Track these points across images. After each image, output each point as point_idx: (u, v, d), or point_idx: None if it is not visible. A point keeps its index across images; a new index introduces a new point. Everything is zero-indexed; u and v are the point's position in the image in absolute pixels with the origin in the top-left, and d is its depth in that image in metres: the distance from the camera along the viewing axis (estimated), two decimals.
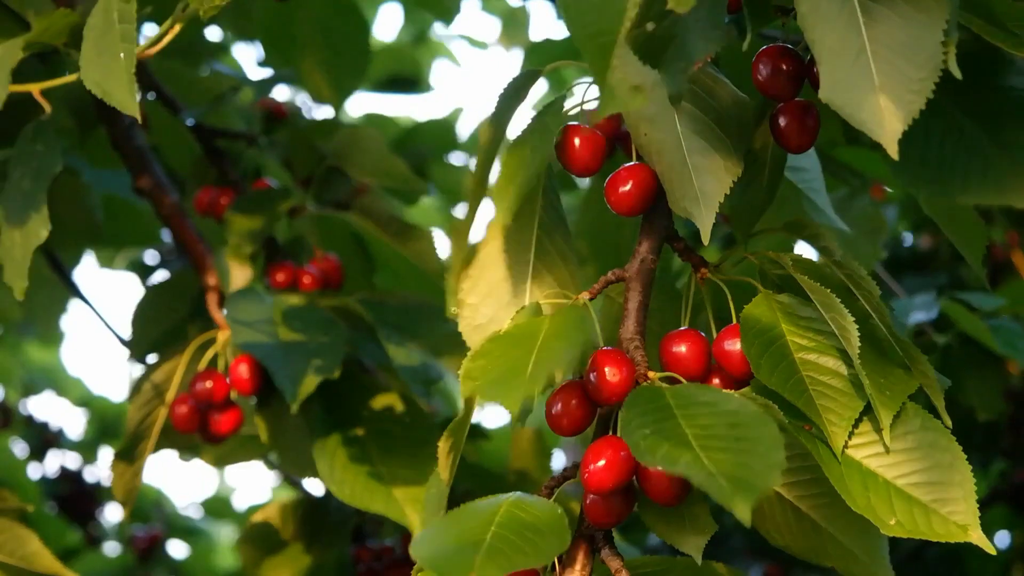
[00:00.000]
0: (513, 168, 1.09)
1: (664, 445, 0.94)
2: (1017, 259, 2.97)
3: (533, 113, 1.13)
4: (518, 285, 1.17)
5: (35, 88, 1.43)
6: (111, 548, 3.99)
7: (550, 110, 1.12)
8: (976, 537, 1.00)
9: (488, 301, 1.17)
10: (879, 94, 0.92)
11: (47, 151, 1.37)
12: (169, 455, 1.95)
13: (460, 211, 3.51)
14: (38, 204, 1.38)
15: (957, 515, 1.01)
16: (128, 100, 1.26)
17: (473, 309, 1.17)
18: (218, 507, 4.42)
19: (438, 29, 4.01)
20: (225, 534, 4.70)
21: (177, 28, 1.34)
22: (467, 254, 1.17)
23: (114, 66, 1.26)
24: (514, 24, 4.18)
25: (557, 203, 1.19)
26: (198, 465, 2.02)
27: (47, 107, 1.44)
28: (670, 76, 1.00)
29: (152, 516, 4.08)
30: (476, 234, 1.20)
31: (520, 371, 0.99)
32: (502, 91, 1.15)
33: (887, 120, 0.91)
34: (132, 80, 1.26)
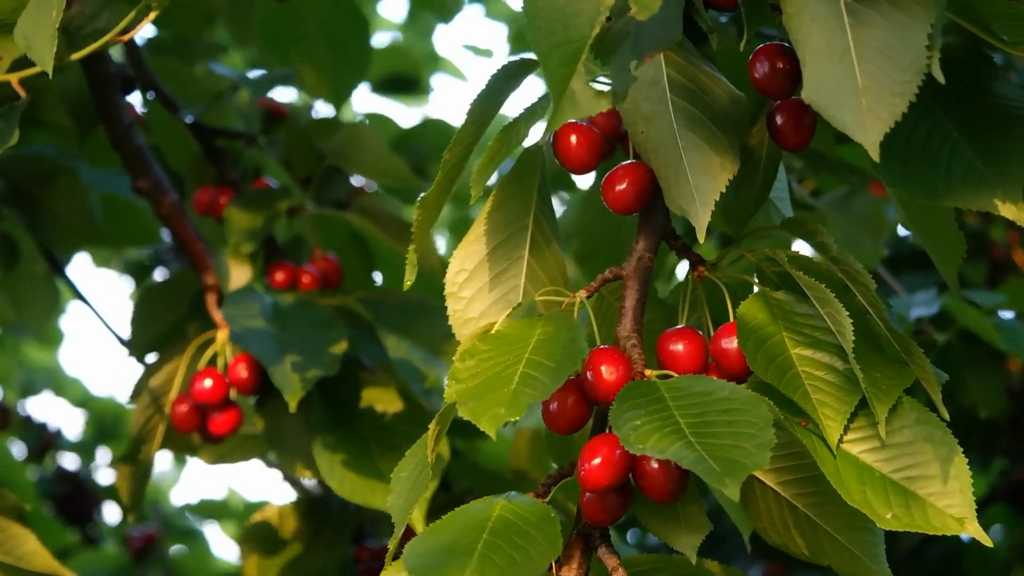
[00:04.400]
0: (495, 150, 1.10)
1: (654, 434, 0.95)
2: (1018, 258, 2.98)
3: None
4: (511, 279, 1.17)
5: (13, 77, 1.44)
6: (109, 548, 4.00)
7: (542, 100, 1.12)
8: (972, 530, 1.00)
9: (480, 295, 1.17)
10: (862, 96, 0.92)
11: (7, 128, 1.38)
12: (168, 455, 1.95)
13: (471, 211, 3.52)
14: None
15: (953, 508, 1.01)
16: (45, 54, 1.27)
17: (464, 303, 1.17)
18: (216, 508, 4.42)
19: (441, 38, 4.03)
20: (223, 535, 4.71)
21: (153, 15, 1.34)
22: (432, 226, 1.17)
23: (44, 21, 1.26)
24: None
25: (548, 199, 1.19)
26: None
27: (22, 93, 1.45)
28: (616, 73, 1.00)
29: (148, 516, 4.08)
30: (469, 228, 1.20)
31: (504, 381, 0.99)
32: (493, 74, 1.15)
33: (869, 122, 0.91)
34: (54, 35, 1.26)
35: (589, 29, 0.93)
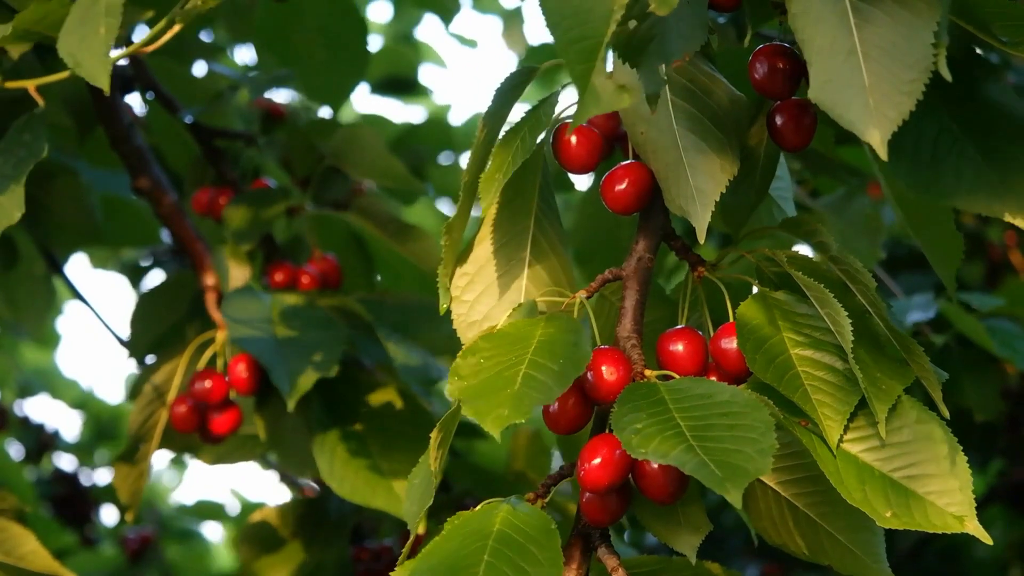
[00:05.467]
0: (502, 159, 1.10)
1: (656, 438, 0.95)
2: (1015, 259, 2.98)
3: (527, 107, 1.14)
4: (513, 282, 1.18)
5: (30, 84, 1.43)
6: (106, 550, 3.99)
7: (544, 105, 1.13)
8: (972, 528, 1.01)
9: (483, 298, 1.17)
10: (869, 95, 0.92)
11: (34, 140, 1.38)
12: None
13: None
14: (12, 187, 1.37)
15: (953, 506, 1.01)
16: (99, 72, 1.24)
17: (468, 306, 1.17)
18: (212, 508, 4.42)
19: (427, 26, 4.02)
20: (220, 535, 4.71)
21: (177, 27, 1.33)
22: (460, 250, 1.18)
23: (92, 37, 1.24)
24: (516, 22, 4.19)
25: (552, 200, 1.20)
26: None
27: (40, 101, 1.45)
28: (647, 75, 1.00)
29: (144, 518, 4.07)
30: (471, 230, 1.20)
31: (507, 382, 0.99)
32: (498, 87, 1.15)
33: (876, 121, 0.91)
34: (107, 53, 1.24)
35: (605, 26, 0.93)
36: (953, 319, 2.13)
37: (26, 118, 1.41)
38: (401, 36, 3.82)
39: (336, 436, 1.74)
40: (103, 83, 1.25)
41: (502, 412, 0.96)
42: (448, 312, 1.18)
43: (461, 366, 1.03)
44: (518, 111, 1.16)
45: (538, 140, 1.12)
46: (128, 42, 2.09)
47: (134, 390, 1.86)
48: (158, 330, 2.12)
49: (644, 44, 1.02)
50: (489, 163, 1.11)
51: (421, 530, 1.41)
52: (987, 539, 1.01)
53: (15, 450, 3.84)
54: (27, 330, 2.97)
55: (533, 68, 1.16)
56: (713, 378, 1.12)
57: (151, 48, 1.37)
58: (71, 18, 1.28)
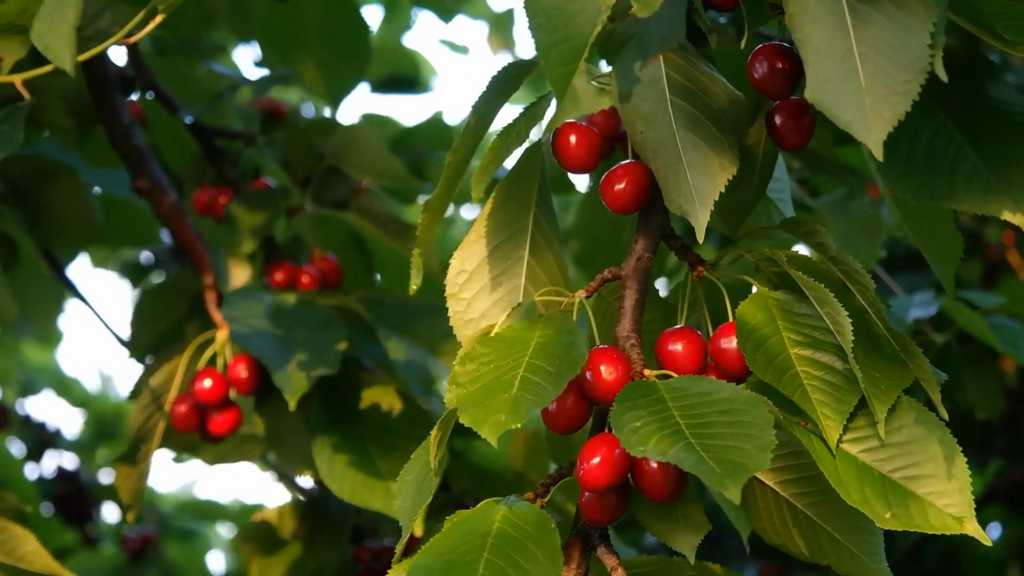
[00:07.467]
0: (496, 151, 1.10)
1: (654, 436, 0.95)
2: (1012, 259, 2.98)
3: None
4: (512, 280, 1.18)
5: (17, 79, 1.44)
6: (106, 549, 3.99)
7: (541, 100, 1.13)
8: (971, 529, 1.01)
9: (481, 295, 1.17)
10: (865, 95, 0.92)
11: (11, 130, 1.39)
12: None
13: (468, 211, 3.52)
14: None
15: (952, 507, 1.01)
16: (64, 55, 1.26)
17: (465, 303, 1.17)
18: (213, 508, 4.42)
19: (417, 34, 4.01)
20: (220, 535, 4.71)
21: (160, 18, 1.35)
22: (437, 230, 1.17)
23: (60, 23, 1.26)
24: (502, 27, 4.18)
25: (549, 200, 1.20)
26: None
27: (26, 95, 1.45)
28: (622, 73, 1.00)
29: (145, 517, 4.07)
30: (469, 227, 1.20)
31: (505, 387, 0.99)
32: (493, 77, 1.15)
33: (872, 121, 0.91)
34: (72, 35, 1.26)
35: (590, 28, 0.93)
36: (955, 315, 2.13)
37: (8, 110, 1.42)
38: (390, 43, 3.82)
39: (336, 437, 1.74)
40: (67, 64, 1.27)
41: (499, 418, 0.96)
42: (446, 311, 1.18)
43: (460, 373, 1.03)
44: (514, 111, 1.16)
45: (534, 135, 1.12)
46: (126, 36, 2.10)
47: (134, 390, 1.86)
48: (158, 330, 2.13)
49: (622, 42, 1.02)
50: (484, 155, 1.12)
51: (419, 531, 1.42)
52: (986, 540, 1.01)
53: (16, 448, 3.84)
54: (36, 329, 2.97)
55: (532, 63, 1.16)
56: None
57: (133, 40, 1.38)
58: (44, 7, 1.31)
